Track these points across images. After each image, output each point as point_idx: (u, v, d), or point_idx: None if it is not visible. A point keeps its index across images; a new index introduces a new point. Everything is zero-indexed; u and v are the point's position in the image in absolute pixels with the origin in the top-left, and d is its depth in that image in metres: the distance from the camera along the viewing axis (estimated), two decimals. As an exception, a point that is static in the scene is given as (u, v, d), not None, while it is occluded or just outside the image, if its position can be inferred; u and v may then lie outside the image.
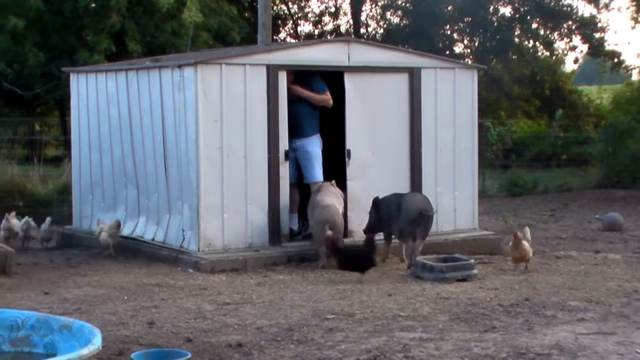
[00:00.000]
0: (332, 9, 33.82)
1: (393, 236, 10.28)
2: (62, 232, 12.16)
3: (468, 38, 31.73)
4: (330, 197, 10.26)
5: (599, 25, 29.87)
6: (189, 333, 7.02)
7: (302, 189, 11.05)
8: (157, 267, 10.00)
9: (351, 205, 10.71)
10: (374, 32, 32.77)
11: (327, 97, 10.84)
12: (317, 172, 10.89)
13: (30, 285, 9.05)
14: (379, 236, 10.43)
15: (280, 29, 32.96)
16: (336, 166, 11.01)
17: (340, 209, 10.28)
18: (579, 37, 30.33)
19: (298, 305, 8.07)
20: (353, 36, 28.31)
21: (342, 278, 9.40)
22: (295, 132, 10.79)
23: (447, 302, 8.16)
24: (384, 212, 10.20)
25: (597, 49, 29.84)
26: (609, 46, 30.01)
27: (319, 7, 34.21)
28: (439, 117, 11.30)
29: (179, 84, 10.19)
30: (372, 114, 10.93)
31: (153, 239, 10.75)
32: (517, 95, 30.80)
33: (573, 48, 31.13)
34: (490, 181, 19.57)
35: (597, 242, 12.32)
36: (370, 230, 10.38)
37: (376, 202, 10.29)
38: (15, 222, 11.48)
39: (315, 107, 10.88)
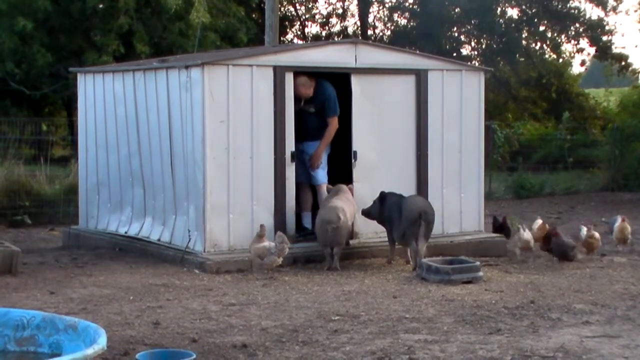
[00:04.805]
0: (340, 11, 33.82)
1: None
2: (68, 231, 12.21)
3: (475, 40, 31.70)
4: (341, 200, 10.24)
5: (607, 28, 29.83)
6: (194, 333, 7.03)
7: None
8: (163, 267, 10.01)
9: (357, 207, 10.69)
10: (381, 33, 32.75)
11: (334, 124, 10.79)
12: (319, 174, 10.92)
13: (36, 285, 9.07)
14: (383, 237, 10.46)
15: (288, 30, 32.96)
16: (343, 168, 11.02)
17: (349, 215, 10.21)
18: (586, 39, 30.28)
19: (303, 306, 8.07)
20: (360, 38, 28.29)
21: (348, 280, 9.41)
22: (303, 135, 10.81)
23: (452, 304, 8.16)
24: (386, 211, 10.22)
25: (604, 52, 29.78)
26: (616, 49, 29.98)
27: (326, 8, 34.25)
28: (445, 119, 11.29)
29: (185, 84, 10.20)
30: (378, 115, 10.92)
31: (159, 240, 10.76)
32: (524, 97, 30.77)
33: (580, 51, 31.10)
34: (497, 183, 19.53)
35: (603, 245, 12.28)
36: (366, 214, 10.43)
37: (383, 196, 10.33)
38: None
39: (322, 113, 10.87)
